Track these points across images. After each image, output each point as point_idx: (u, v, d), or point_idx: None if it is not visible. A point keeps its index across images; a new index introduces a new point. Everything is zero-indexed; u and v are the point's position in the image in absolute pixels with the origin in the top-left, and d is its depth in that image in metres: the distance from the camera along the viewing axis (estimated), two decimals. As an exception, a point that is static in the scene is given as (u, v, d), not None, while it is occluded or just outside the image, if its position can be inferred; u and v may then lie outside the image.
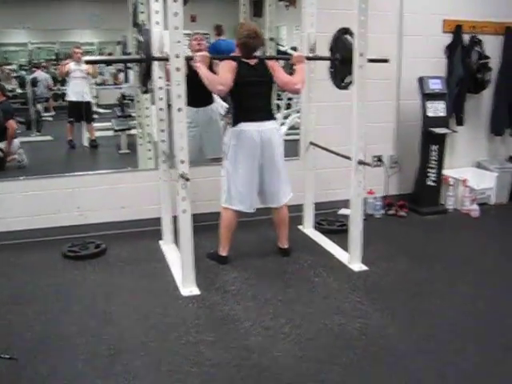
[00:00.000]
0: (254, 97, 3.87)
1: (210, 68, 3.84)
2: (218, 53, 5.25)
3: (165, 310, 3.37)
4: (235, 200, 3.95)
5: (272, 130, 3.91)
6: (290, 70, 4.14)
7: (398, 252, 4.38)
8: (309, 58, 4.30)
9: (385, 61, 4.33)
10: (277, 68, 3.95)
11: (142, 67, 3.71)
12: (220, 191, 4.03)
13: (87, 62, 4.29)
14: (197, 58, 3.65)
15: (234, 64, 3.80)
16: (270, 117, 3.97)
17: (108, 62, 6.10)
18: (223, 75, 3.73)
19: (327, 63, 4.36)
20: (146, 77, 3.70)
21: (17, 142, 5.61)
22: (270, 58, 4.28)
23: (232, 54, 3.99)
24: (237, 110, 3.93)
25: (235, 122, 3.89)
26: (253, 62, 3.87)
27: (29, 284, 3.77)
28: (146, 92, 4.03)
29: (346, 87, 4.19)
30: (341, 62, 4.20)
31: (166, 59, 3.73)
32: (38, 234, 4.55)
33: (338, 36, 4.22)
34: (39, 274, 3.94)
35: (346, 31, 4.12)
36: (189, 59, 3.76)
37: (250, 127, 3.84)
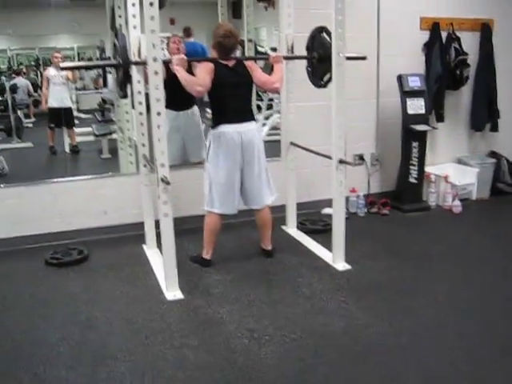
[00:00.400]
0: (233, 98, 3.86)
1: (190, 71, 3.82)
2: (195, 54, 5.24)
3: (149, 315, 3.35)
4: (217, 203, 3.94)
5: (252, 131, 3.91)
6: (269, 71, 4.14)
7: (381, 250, 4.40)
8: (286, 58, 4.32)
9: (363, 58, 4.34)
10: (255, 68, 3.95)
11: (119, 72, 3.69)
12: (202, 194, 4.02)
13: (63, 68, 4.26)
14: (174, 60, 3.65)
15: (211, 65, 3.79)
16: (250, 118, 3.96)
17: (85, 68, 6.05)
18: (201, 76, 3.73)
19: (305, 63, 4.38)
20: (123, 82, 3.68)
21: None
22: (248, 59, 4.27)
23: (209, 56, 3.99)
24: (216, 111, 3.92)
25: (215, 124, 3.89)
26: (231, 63, 3.87)
27: (10, 292, 3.74)
28: (124, 97, 4.01)
29: (324, 86, 4.21)
30: (318, 61, 4.22)
31: (142, 63, 3.73)
32: (19, 242, 4.50)
33: (314, 35, 4.25)
34: (21, 282, 3.91)
35: (322, 30, 4.14)
36: (167, 62, 3.75)
37: (230, 129, 3.83)
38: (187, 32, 5.82)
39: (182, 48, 4.71)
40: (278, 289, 3.69)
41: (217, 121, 3.89)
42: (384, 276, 3.89)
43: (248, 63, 3.95)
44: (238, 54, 4.03)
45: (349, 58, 3.88)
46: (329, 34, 4.01)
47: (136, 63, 3.84)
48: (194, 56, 5.08)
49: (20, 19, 5.76)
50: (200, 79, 3.72)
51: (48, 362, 2.87)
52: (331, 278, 3.85)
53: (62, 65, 3.79)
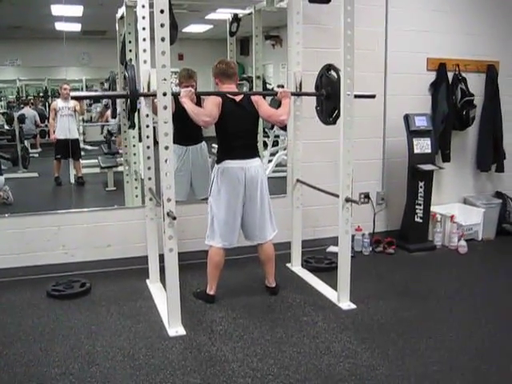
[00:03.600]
0: (238, 134, 3.89)
1: (199, 104, 3.84)
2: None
3: (151, 351, 3.30)
4: (217, 236, 3.93)
5: (256, 168, 3.91)
6: (276, 107, 4.16)
7: (386, 290, 4.35)
8: (294, 94, 4.35)
9: (372, 96, 4.38)
10: (262, 102, 3.98)
11: (127, 102, 3.72)
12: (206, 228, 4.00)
13: (73, 98, 4.29)
14: (182, 93, 3.68)
15: (219, 99, 3.82)
16: (254, 154, 3.97)
17: (94, 98, 6.09)
18: (208, 108, 3.77)
19: (314, 102, 4.40)
20: (130, 111, 3.71)
21: (1, 179, 5.56)
22: (256, 94, 4.30)
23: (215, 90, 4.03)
24: (222, 146, 3.94)
25: (220, 159, 3.90)
26: (238, 98, 3.90)
27: (11, 324, 3.69)
28: (132, 127, 4.03)
29: (333, 122, 4.21)
30: (326, 98, 4.24)
31: (151, 95, 3.76)
32: (21, 273, 4.48)
33: (322, 73, 4.27)
34: (22, 314, 3.86)
35: (329, 67, 4.17)
36: (176, 95, 3.77)
37: (233, 164, 3.85)
38: None
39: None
40: (282, 327, 3.64)
41: (221, 156, 3.91)
42: (390, 316, 3.84)
43: (255, 98, 3.98)
44: (244, 89, 4.05)
45: (357, 96, 3.90)
46: (336, 70, 4.04)
47: (144, 95, 3.86)
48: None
49: (30, 50, 5.83)
50: (207, 110, 3.75)
51: (47, 397, 2.82)
52: (336, 318, 3.79)
53: (73, 94, 3.82)
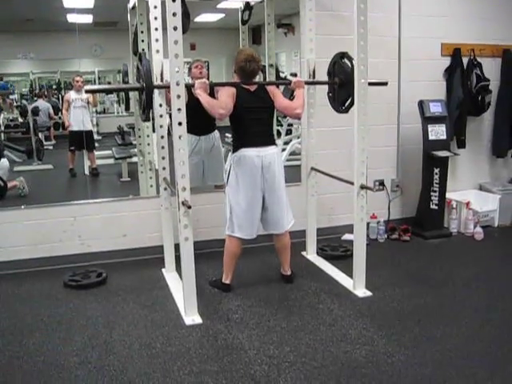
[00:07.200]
0: (254, 122, 3.86)
1: (212, 95, 3.84)
2: None
3: (167, 340, 3.32)
4: (236, 227, 3.92)
5: (273, 155, 3.89)
6: (289, 96, 4.14)
7: (402, 277, 4.34)
8: (308, 83, 4.32)
9: (384, 84, 4.34)
10: (276, 93, 3.95)
11: (142, 96, 3.71)
12: (222, 218, 4.00)
13: (87, 91, 4.29)
14: (197, 84, 3.67)
15: (233, 90, 3.80)
16: (270, 142, 3.95)
17: (108, 91, 6.11)
18: (223, 100, 3.74)
19: (327, 88, 4.38)
20: (146, 105, 3.70)
21: (6, 163, 5.58)
22: (270, 84, 4.28)
23: (231, 81, 4.00)
24: (237, 135, 3.93)
25: (236, 148, 3.89)
26: (252, 88, 3.88)
27: (29, 314, 3.73)
28: (146, 120, 4.03)
29: (345, 111, 4.19)
30: (339, 86, 4.22)
31: (166, 87, 3.75)
32: (38, 263, 4.52)
33: (335, 60, 4.25)
34: (40, 304, 3.89)
35: (343, 55, 4.14)
36: (190, 86, 3.76)
37: (250, 152, 3.83)
38: None
39: (204, 72, 4.73)
40: (298, 315, 3.64)
41: (237, 144, 3.89)
42: (406, 303, 3.83)
43: (270, 88, 3.96)
44: (258, 78, 4.02)
45: (371, 84, 3.87)
46: (350, 59, 4.02)
47: (159, 87, 3.86)
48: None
49: (42, 43, 5.85)
50: (222, 102, 3.72)
51: (66, 385, 2.85)
52: (352, 305, 3.79)
53: (86, 88, 3.81)
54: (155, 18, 3.94)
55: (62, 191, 5.96)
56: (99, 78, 6.64)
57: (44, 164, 6.26)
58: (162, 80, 3.90)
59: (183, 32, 3.28)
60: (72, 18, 5.46)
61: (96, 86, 5.95)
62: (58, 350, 3.23)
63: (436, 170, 5.28)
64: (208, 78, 4.33)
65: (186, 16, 4.00)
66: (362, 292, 3.96)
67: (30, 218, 4.58)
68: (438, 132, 5.26)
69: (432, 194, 5.31)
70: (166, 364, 3.04)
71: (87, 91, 4.19)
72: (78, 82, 5.93)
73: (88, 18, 5.72)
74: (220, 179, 4.65)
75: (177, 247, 3.79)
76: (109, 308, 3.81)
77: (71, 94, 6.02)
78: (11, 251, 4.50)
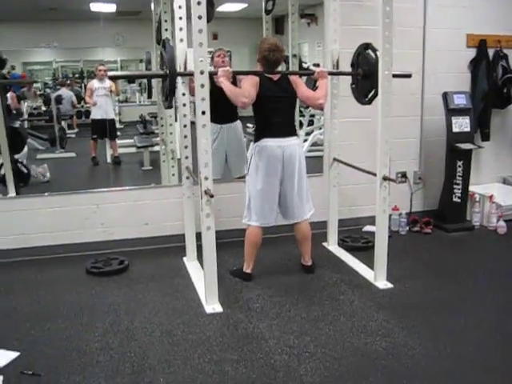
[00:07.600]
0: (276, 112, 3.86)
1: (234, 84, 3.84)
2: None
3: (188, 328, 3.34)
4: (254, 215, 3.94)
5: (294, 146, 3.89)
6: (312, 86, 4.12)
7: (423, 269, 4.31)
8: (331, 73, 4.29)
9: (408, 76, 4.30)
10: (299, 83, 3.94)
11: (165, 82, 3.72)
12: (243, 208, 4.01)
13: (110, 78, 4.31)
14: (220, 72, 3.67)
15: (256, 79, 3.79)
16: (292, 132, 3.95)
17: (132, 78, 6.14)
18: (246, 88, 3.73)
19: (350, 80, 4.35)
20: (169, 92, 3.71)
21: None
22: (293, 74, 4.26)
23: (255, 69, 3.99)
24: (259, 125, 3.92)
25: (257, 138, 3.89)
26: (276, 77, 3.87)
27: (52, 300, 3.78)
28: (169, 107, 4.04)
29: (368, 102, 4.16)
30: (363, 77, 4.20)
31: (189, 74, 3.75)
32: (61, 250, 4.57)
33: (359, 51, 4.23)
34: (62, 290, 3.94)
35: (367, 46, 4.11)
36: (213, 74, 3.76)
37: (271, 143, 3.82)
38: None
39: (227, 61, 4.74)
40: (318, 305, 3.64)
41: (259, 134, 3.89)
42: (427, 296, 3.81)
43: (293, 78, 3.94)
44: (281, 68, 4.01)
45: (395, 76, 3.83)
46: (374, 50, 3.99)
47: (182, 74, 3.86)
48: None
49: (66, 32, 5.89)
50: (245, 91, 3.72)
51: (88, 370, 2.88)
52: (372, 297, 3.78)
53: (110, 74, 3.83)
54: (179, 7, 3.93)
55: (85, 179, 6.02)
56: (121, 68, 6.67)
57: (67, 152, 6.32)
58: (185, 69, 3.90)
59: (208, 21, 3.28)
60: (95, 7, 5.49)
61: (120, 72, 5.97)
62: (79, 335, 3.26)
63: (459, 163, 5.22)
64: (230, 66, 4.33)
65: (211, 5, 3.99)
66: (382, 284, 3.95)
67: (53, 204, 4.62)
68: (461, 124, 5.20)
69: (455, 186, 5.26)
70: (186, 351, 3.06)
71: (111, 77, 4.22)
72: (100, 70, 5.97)
73: (111, 7, 5.74)
74: (242, 171, 4.66)
75: (198, 236, 3.80)
76: (130, 295, 3.85)
77: (94, 83, 6.06)
78: (34, 237, 4.56)
